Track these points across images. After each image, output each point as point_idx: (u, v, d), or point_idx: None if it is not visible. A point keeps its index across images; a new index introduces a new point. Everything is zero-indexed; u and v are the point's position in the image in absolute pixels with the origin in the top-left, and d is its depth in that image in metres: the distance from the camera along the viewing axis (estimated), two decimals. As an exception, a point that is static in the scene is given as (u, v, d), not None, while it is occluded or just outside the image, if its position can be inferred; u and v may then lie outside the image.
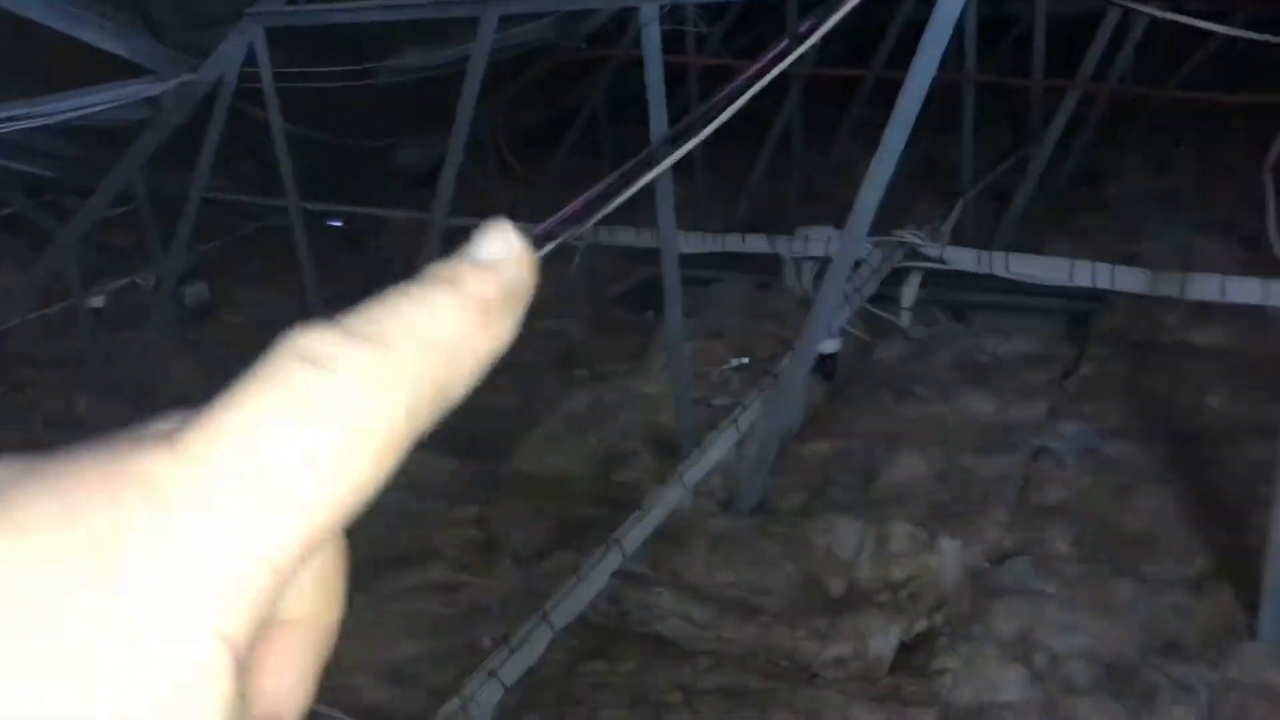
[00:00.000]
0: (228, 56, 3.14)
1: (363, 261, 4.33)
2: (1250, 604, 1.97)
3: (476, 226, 0.25)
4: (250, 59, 3.10)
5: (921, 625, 2.19)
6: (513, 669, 2.02)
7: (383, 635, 2.29)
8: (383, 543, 2.57)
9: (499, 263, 0.24)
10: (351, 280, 4.15)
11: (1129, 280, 3.00)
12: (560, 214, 2.25)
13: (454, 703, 1.93)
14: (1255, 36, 2.79)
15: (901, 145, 2.24)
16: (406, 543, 2.58)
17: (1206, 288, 2.87)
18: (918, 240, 3.25)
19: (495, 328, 0.24)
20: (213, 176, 3.49)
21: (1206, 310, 3.07)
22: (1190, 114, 4.78)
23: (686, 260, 3.52)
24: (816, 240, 3.49)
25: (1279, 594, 1.89)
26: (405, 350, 0.22)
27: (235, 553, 0.19)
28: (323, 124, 4.03)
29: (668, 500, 2.45)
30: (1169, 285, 2.94)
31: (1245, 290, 2.78)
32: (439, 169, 2.97)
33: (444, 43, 3.90)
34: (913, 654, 2.13)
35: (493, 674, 1.98)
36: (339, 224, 4.62)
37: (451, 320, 0.23)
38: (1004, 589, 2.21)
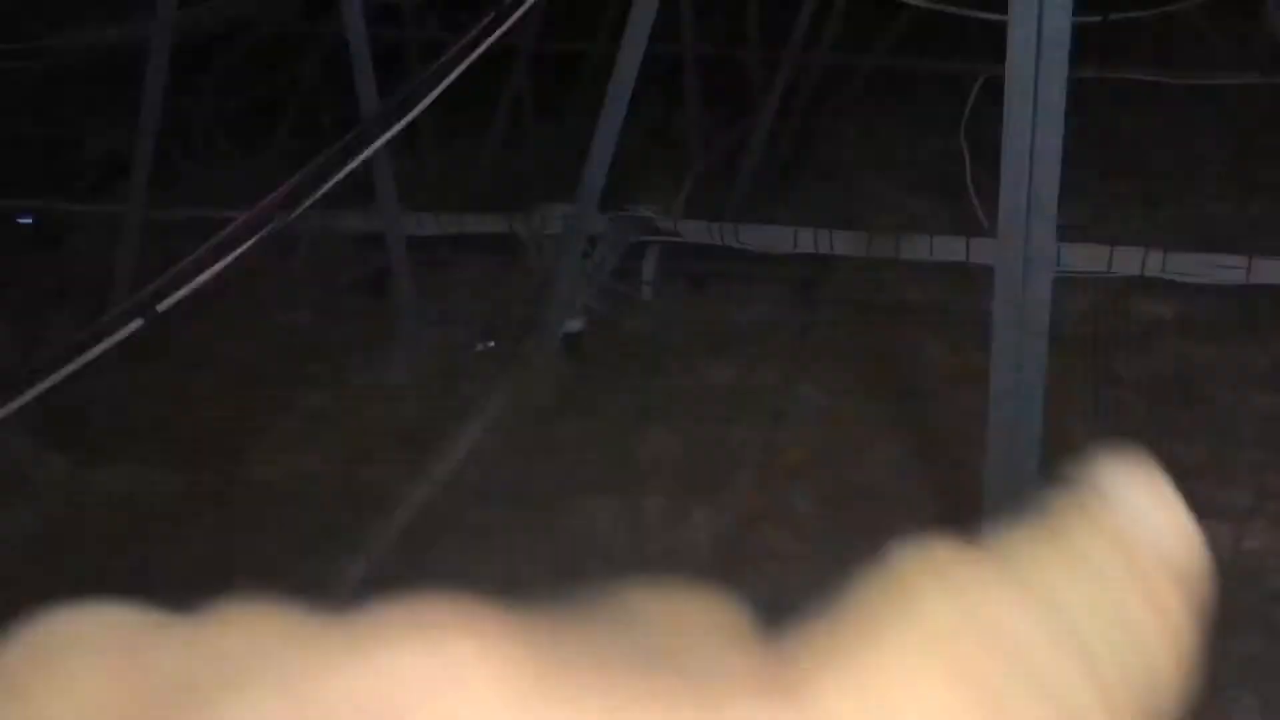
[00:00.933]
0: None
1: (57, 262, 3.89)
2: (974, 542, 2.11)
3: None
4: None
5: (679, 598, 2.21)
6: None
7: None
8: (94, 577, 2.32)
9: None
10: (44, 281, 3.73)
11: (848, 244, 3.16)
12: (269, 199, 2.08)
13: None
14: (944, 8, 2.99)
15: (620, 118, 2.24)
16: (125, 568, 2.34)
17: (918, 247, 3.08)
18: (652, 214, 3.28)
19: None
20: None
21: (920, 267, 3.27)
22: (896, 80, 5.10)
23: (423, 242, 3.40)
24: (553, 217, 3.45)
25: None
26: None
27: None
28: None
29: (416, 498, 2.35)
30: (884, 247, 3.13)
31: (951, 249, 3.00)
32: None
33: (127, 17, 3.54)
34: (672, 628, 2.15)
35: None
36: (29, 221, 4.14)
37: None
38: (754, 554, 2.27)
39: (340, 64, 4.71)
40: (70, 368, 1.69)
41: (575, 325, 3.09)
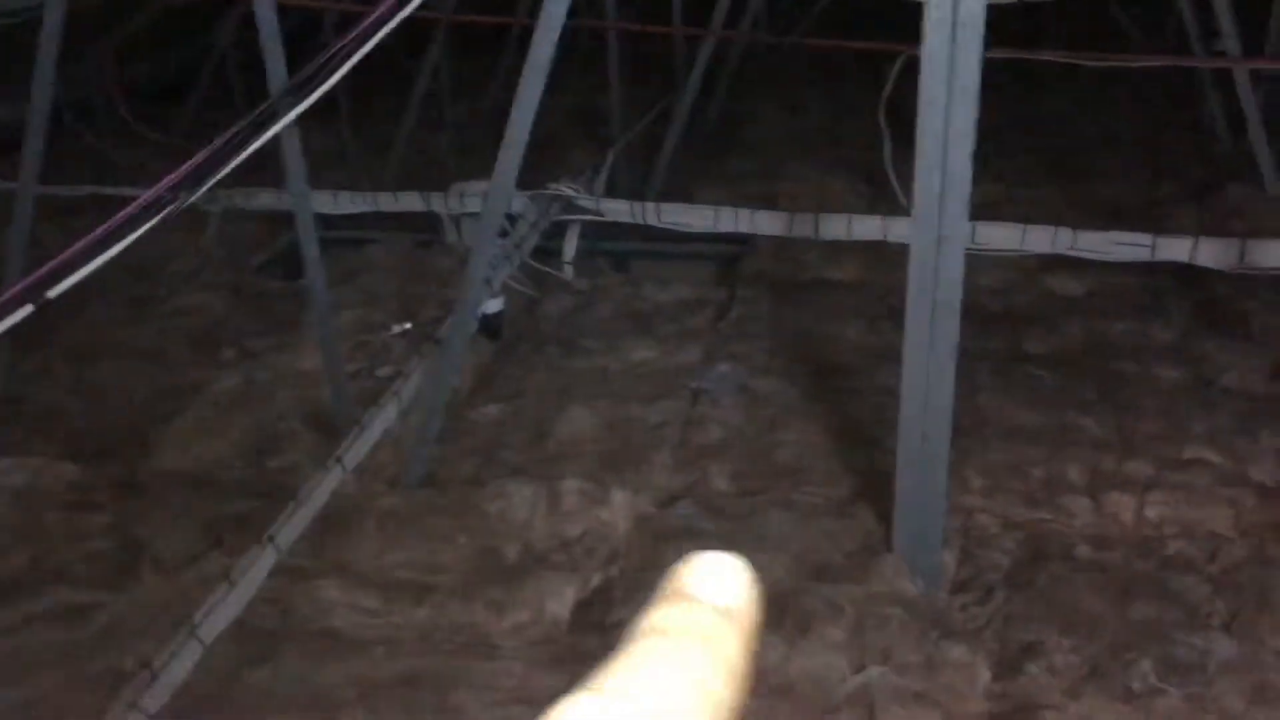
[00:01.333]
0: None
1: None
2: (886, 519, 2.14)
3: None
4: None
5: (598, 579, 2.20)
6: (158, 695, 1.82)
7: (2, 673, 1.99)
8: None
9: (735, 611, 0.24)
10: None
11: (769, 224, 3.16)
12: (171, 177, 1.99)
13: (93, 741, 1.72)
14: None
15: (537, 95, 2.20)
16: (20, 565, 2.26)
17: (836, 227, 3.09)
18: (572, 192, 3.25)
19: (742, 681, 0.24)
20: None
21: (839, 247, 3.29)
22: (817, 60, 5.12)
23: (338, 221, 3.33)
24: (472, 195, 3.39)
25: (907, 510, 2.06)
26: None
27: None
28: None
29: (326, 485, 2.30)
30: (804, 226, 3.13)
31: (869, 228, 3.01)
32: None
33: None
34: (590, 610, 2.13)
35: (133, 705, 1.77)
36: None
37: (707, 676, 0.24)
38: (672, 533, 2.27)
39: (254, 35, 4.58)
40: None
41: (494, 305, 3.05)
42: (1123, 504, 2.24)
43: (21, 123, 4.11)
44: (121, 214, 1.99)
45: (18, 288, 1.78)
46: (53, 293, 1.79)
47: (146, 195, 2.04)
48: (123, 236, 1.94)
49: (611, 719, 0.22)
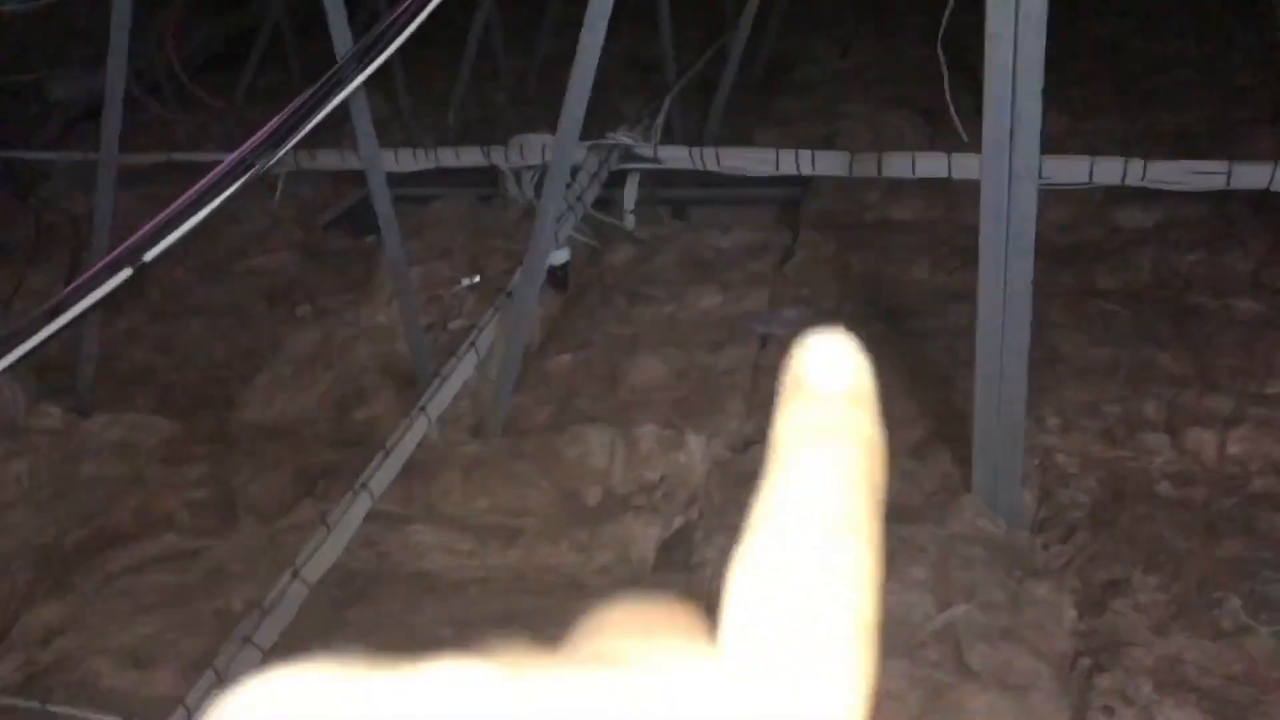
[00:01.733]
0: None
1: (29, 212, 3.83)
2: (964, 460, 2.16)
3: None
4: None
5: (679, 522, 2.25)
6: (269, 631, 1.91)
7: (115, 616, 2.10)
8: (99, 518, 2.34)
9: (859, 390, 0.25)
10: (20, 233, 3.67)
11: (831, 165, 3.14)
12: (250, 142, 2.04)
13: (208, 676, 1.81)
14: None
15: (599, 44, 2.20)
16: (128, 515, 2.36)
17: (899, 165, 3.06)
18: (630, 141, 3.25)
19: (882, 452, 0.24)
20: None
21: (902, 185, 3.27)
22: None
23: (401, 179, 3.37)
24: (532, 148, 3.41)
25: (986, 449, 2.08)
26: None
27: None
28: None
29: (412, 435, 2.36)
30: (867, 166, 3.11)
31: (933, 165, 2.98)
32: (101, 102, 2.63)
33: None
34: (674, 551, 2.19)
35: (248, 640, 1.86)
36: (-6, 170, 4.06)
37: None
38: (750, 476, 2.29)
39: (302, 4, 4.62)
40: (65, 319, 1.68)
41: (560, 257, 3.08)
42: (1204, 440, 2.23)
43: (87, 95, 4.20)
44: (206, 178, 2.05)
45: (116, 252, 1.85)
46: (148, 256, 1.85)
47: (229, 159, 2.09)
48: (209, 200, 2.00)
49: (793, 527, 0.22)
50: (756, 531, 0.23)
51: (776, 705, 0.20)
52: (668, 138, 3.63)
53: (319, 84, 2.18)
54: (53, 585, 2.22)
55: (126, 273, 1.86)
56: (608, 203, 3.40)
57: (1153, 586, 1.91)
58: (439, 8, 2.11)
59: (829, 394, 0.24)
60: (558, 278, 3.11)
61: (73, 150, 3.88)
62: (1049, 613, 1.88)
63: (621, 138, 3.27)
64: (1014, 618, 1.86)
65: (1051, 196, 3.04)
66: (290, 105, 2.15)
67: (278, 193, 3.65)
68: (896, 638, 1.86)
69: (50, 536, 2.32)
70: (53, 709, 1.88)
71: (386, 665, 0.20)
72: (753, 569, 0.22)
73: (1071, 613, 1.89)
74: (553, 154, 2.58)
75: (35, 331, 1.83)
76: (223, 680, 1.81)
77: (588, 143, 3.15)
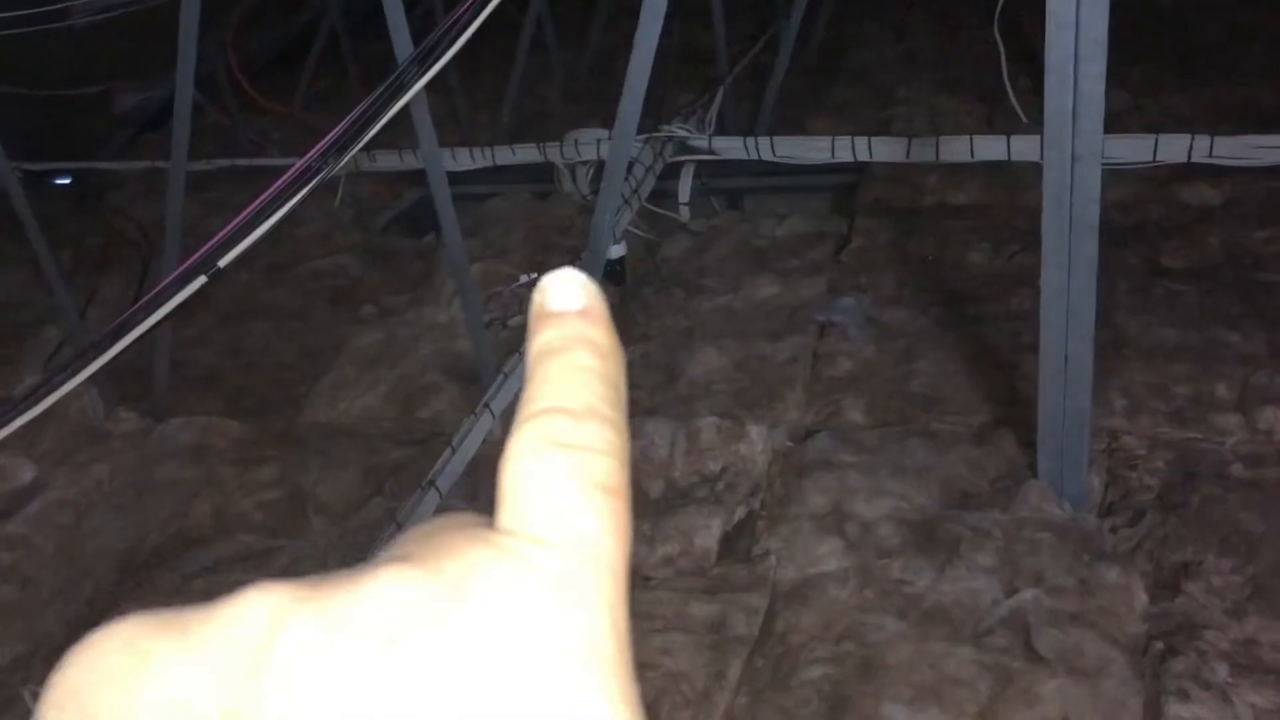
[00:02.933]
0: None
1: (99, 221, 3.94)
2: (1028, 445, 2.14)
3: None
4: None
5: (741, 513, 2.26)
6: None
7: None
8: (176, 521, 2.41)
9: (588, 309, 0.29)
10: (91, 242, 3.78)
11: (887, 150, 3.11)
12: (317, 147, 2.09)
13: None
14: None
15: (655, 39, 2.21)
16: (204, 517, 2.43)
17: (958, 149, 3.03)
18: (685, 133, 3.25)
19: (616, 353, 0.30)
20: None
21: (959, 169, 3.24)
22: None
23: (458, 177, 3.41)
24: (587, 143, 3.44)
25: (1051, 433, 2.06)
26: (620, 413, 0.28)
27: None
28: (19, 76, 3.60)
29: (477, 432, 2.40)
30: (924, 150, 3.08)
31: (993, 148, 2.94)
32: (164, 112, 2.71)
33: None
34: (736, 542, 2.20)
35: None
36: (66, 182, 4.19)
37: (615, 373, 0.30)
38: (811, 465, 2.30)
39: (355, 6, 4.68)
40: (143, 327, 1.74)
41: (616, 251, 3.10)
42: (1278, 420, 2.19)
43: (148, 105, 4.31)
44: (275, 185, 2.10)
45: (191, 261, 1.90)
46: (223, 262, 1.90)
47: (296, 166, 2.14)
48: (278, 206, 2.05)
49: (560, 430, 0.26)
50: (520, 422, 0.27)
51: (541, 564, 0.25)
52: (721, 128, 3.63)
53: (381, 89, 2.22)
54: (134, 586, 2.29)
55: (201, 280, 1.91)
56: (662, 195, 3.41)
57: (1226, 569, 1.88)
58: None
59: (571, 314, 0.29)
60: (615, 272, 3.13)
61: (140, 159, 3.99)
62: (1119, 597, 1.86)
63: (676, 130, 3.27)
64: (1083, 602, 1.84)
65: (1114, 175, 2.98)
66: (353, 111, 2.19)
67: (339, 195, 3.72)
68: (964, 623, 1.85)
69: (131, 539, 2.40)
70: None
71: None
72: (521, 452, 0.27)
73: (1143, 596, 1.87)
74: (609, 149, 2.60)
75: (115, 339, 1.89)
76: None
77: (642, 136, 3.17)
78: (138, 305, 1.83)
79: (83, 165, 4.04)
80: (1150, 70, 3.86)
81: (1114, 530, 2.02)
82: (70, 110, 4.22)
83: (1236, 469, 2.11)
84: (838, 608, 1.96)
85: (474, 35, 2.13)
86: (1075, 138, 1.94)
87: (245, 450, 2.62)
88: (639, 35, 2.19)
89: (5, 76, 3.58)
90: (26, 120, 3.93)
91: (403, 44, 2.25)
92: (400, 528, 2.15)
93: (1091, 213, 1.96)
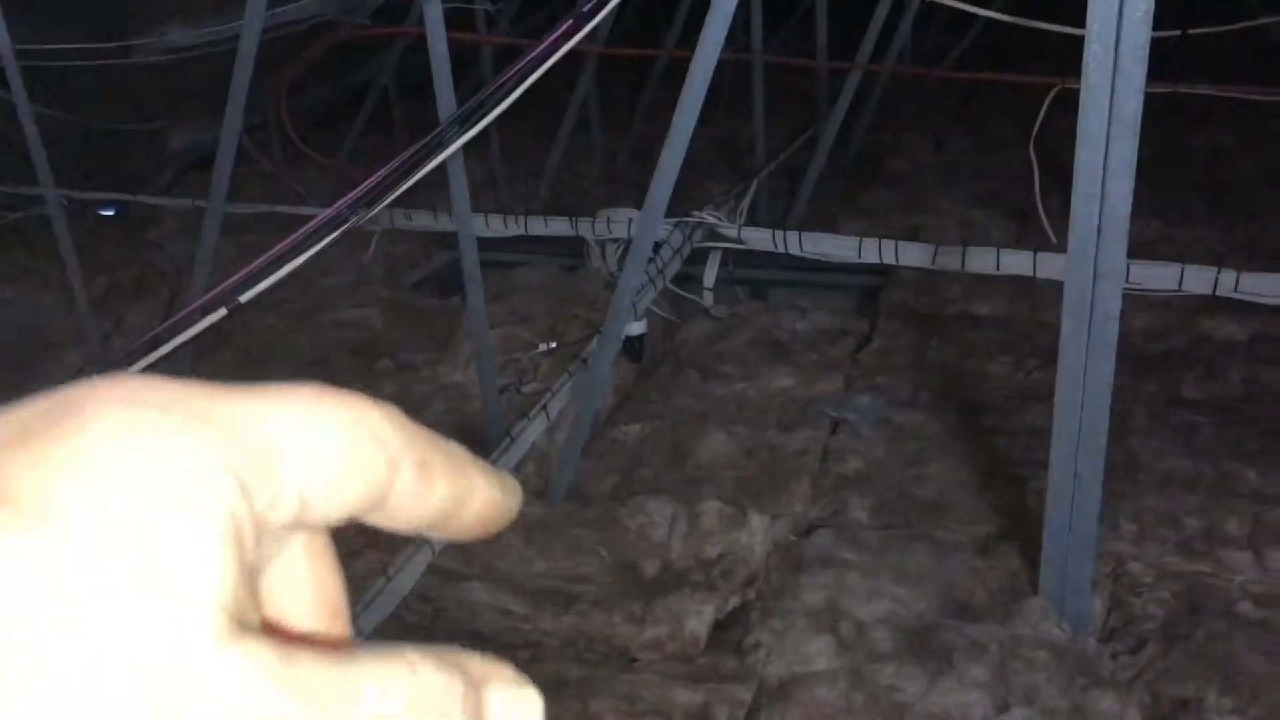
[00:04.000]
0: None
1: (136, 253, 4.02)
2: (1032, 561, 2.10)
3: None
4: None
5: (735, 601, 2.23)
6: (319, 683, 1.92)
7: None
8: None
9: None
10: (125, 273, 3.85)
11: (913, 255, 3.14)
12: (346, 198, 2.13)
13: None
14: (1016, 20, 2.96)
15: (691, 126, 2.25)
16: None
17: (984, 261, 3.05)
18: (716, 220, 3.30)
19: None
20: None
21: (985, 281, 3.25)
22: (964, 92, 5.07)
23: (490, 244, 3.46)
24: (619, 222, 3.49)
25: (1056, 551, 2.02)
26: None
27: None
28: (79, 106, 3.71)
29: (477, 494, 2.39)
30: (950, 259, 3.10)
31: (1018, 262, 2.96)
32: (215, 153, 2.77)
33: (210, 18, 3.65)
34: (727, 630, 2.16)
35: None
36: (110, 213, 4.29)
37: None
38: (810, 561, 2.27)
39: (414, 65, 4.82)
40: (163, 350, 1.76)
41: (637, 328, 3.12)
42: (1293, 559, 2.14)
43: (200, 146, 4.43)
44: (302, 230, 2.14)
45: (214, 292, 1.93)
46: (244, 297, 1.93)
47: (326, 213, 2.18)
48: (304, 250, 2.08)
49: None
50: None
51: None
52: (753, 220, 3.68)
53: (418, 146, 2.27)
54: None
55: (221, 312, 1.94)
56: (688, 279, 3.44)
57: (1227, 709, 1.82)
58: (540, 81, 2.20)
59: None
60: (633, 349, 3.15)
61: (183, 197, 4.08)
62: (1114, 727, 1.80)
63: (706, 216, 3.32)
64: (1076, 729, 1.79)
65: (1140, 303, 3.00)
66: (389, 165, 2.24)
67: (371, 249, 3.78)
68: (951, 739, 1.80)
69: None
70: None
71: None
72: None
73: (1138, 729, 1.81)
74: (637, 224, 2.63)
75: (134, 363, 1.91)
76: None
77: (673, 219, 3.21)
78: (158, 330, 1.86)
79: (127, 198, 4.13)
80: (1185, 203, 3.88)
81: (1114, 657, 1.97)
82: (125, 144, 4.34)
83: (1244, 607, 2.06)
84: (824, 709, 1.91)
85: (520, 109, 2.19)
86: (1099, 254, 1.94)
87: (247, 490, 2.62)
88: (676, 119, 2.23)
89: (65, 106, 3.69)
90: (81, 150, 4.04)
91: (446, 104, 2.30)
92: (390, 580, 2.14)
93: (1110, 330, 1.95)
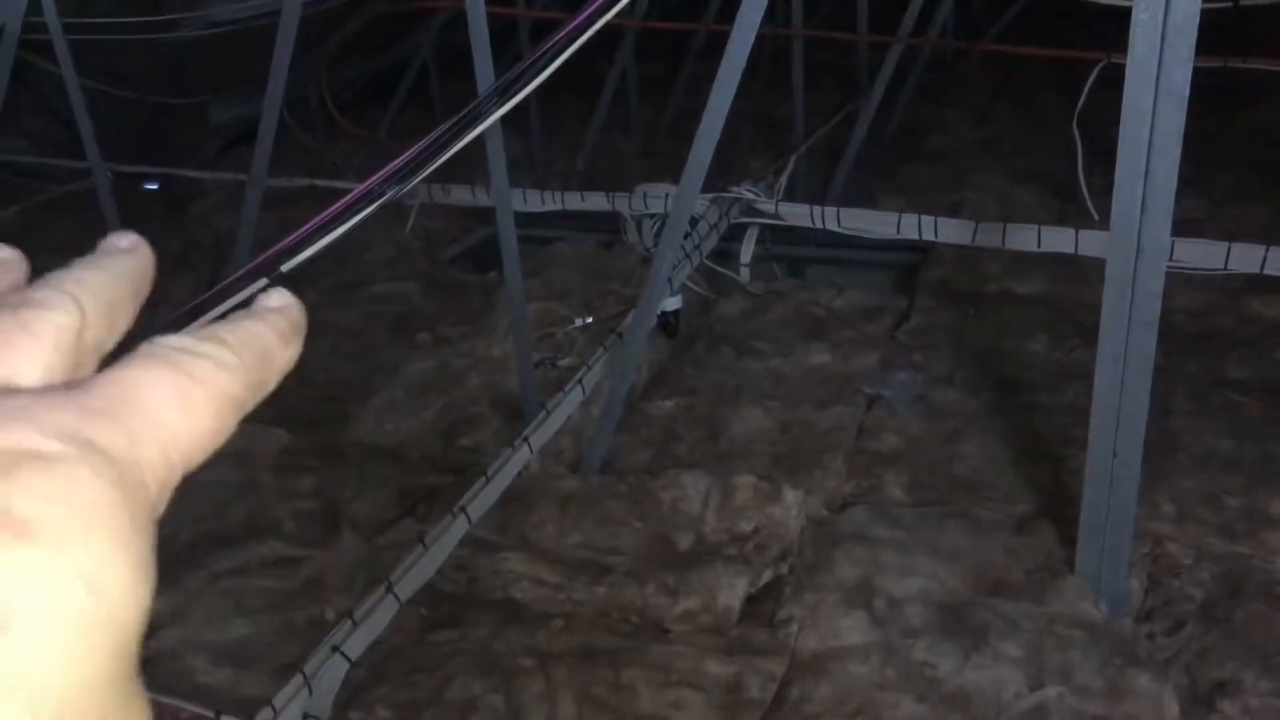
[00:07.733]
0: (9, 3, 2.87)
1: (180, 226, 4.07)
2: (1069, 540, 2.09)
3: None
4: (36, 6, 2.83)
5: (768, 575, 2.23)
6: (357, 642, 1.95)
7: (216, 615, 2.19)
8: (212, 520, 2.45)
9: (286, 307, 0.36)
10: (169, 245, 3.90)
11: (953, 232, 3.11)
12: (384, 171, 2.14)
13: (296, 680, 1.86)
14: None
15: (728, 101, 2.24)
16: (238, 519, 2.46)
17: (1024, 238, 3.01)
18: (753, 196, 3.28)
19: (290, 348, 0.35)
20: (5, 137, 3.20)
21: (1025, 259, 3.21)
22: (1007, 67, 4.99)
23: (527, 219, 3.47)
24: (655, 197, 3.48)
25: (1093, 530, 2.01)
26: (241, 352, 0.33)
27: None
28: (125, 80, 3.75)
29: (513, 464, 2.41)
30: (990, 236, 3.07)
31: (1060, 239, 2.92)
32: (256, 128, 2.80)
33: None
34: (760, 604, 2.17)
35: (336, 649, 1.91)
36: (154, 187, 4.34)
37: (265, 338, 0.34)
38: (844, 536, 2.27)
39: (454, 39, 4.83)
40: (205, 319, 1.78)
41: (672, 304, 3.11)
42: (1337, 541, 2.11)
43: (243, 120, 4.47)
44: (341, 202, 2.15)
45: (255, 262, 1.95)
46: (285, 267, 1.95)
47: (363, 186, 2.19)
48: (343, 222, 2.10)
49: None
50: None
51: None
52: (790, 196, 3.66)
53: (455, 119, 2.28)
54: (161, 581, 2.32)
55: (262, 282, 1.96)
56: (725, 255, 3.43)
57: (1265, 691, 1.80)
58: (578, 55, 2.19)
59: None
60: (669, 324, 3.15)
61: (226, 171, 4.12)
62: (1149, 705, 1.79)
63: (744, 191, 3.30)
64: (1110, 706, 1.78)
65: (1185, 281, 2.94)
66: (425, 139, 2.25)
67: (409, 224, 3.80)
68: (985, 712, 1.80)
69: (164, 535, 2.43)
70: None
71: None
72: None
73: (1174, 708, 1.80)
74: (674, 200, 2.63)
75: (176, 329, 1.94)
76: (309, 685, 1.86)
77: (709, 195, 3.20)
78: (201, 299, 1.88)
79: (171, 172, 4.19)
80: (1234, 181, 3.81)
81: (1150, 637, 1.96)
82: (169, 118, 4.39)
83: (1285, 589, 2.04)
84: (856, 683, 1.91)
85: (558, 84, 2.18)
86: (1142, 231, 1.91)
87: (288, 459, 2.66)
88: (714, 93, 2.22)
89: (111, 80, 3.74)
90: (127, 124, 4.10)
91: (485, 78, 2.30)
92: (427, 549, 2.16)
93: (1152, 308, 1.93)
